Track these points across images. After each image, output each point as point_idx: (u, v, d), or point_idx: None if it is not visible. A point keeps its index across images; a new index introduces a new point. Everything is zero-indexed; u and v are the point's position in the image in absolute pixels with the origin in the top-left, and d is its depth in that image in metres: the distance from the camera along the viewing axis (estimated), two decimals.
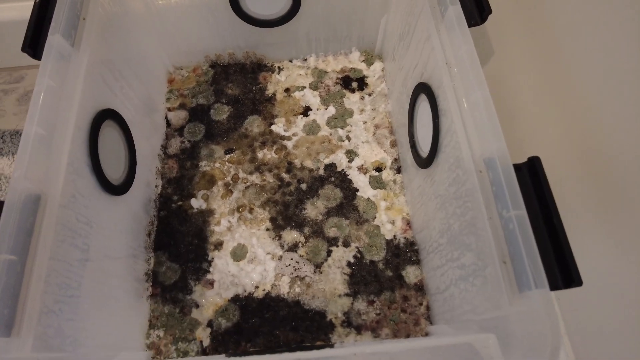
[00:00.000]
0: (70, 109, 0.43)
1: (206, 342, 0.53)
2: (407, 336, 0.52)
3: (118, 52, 0.54)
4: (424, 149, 0.50)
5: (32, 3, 0.73)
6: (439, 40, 0.45)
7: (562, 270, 0.35)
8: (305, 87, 0.68)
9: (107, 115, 0.48)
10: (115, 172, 0.50)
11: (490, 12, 0.45)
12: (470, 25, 0.44)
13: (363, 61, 0.70)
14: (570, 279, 0.34)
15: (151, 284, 0.56)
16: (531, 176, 0.38)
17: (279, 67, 0.70)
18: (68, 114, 0.42)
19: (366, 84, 0.69)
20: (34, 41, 0.45)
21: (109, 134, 0.49)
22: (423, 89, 0.49)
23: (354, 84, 0.69)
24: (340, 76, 0.69)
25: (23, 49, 0.45)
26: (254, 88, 0.68)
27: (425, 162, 0.49)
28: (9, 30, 0.74)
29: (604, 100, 0.41)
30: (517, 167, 0.38)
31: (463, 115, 0.41)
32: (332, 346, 0.38)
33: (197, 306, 0.55)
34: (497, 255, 0.35)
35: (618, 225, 0.41)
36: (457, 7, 0.44)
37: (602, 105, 0.42)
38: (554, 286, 0.34)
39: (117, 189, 0.49)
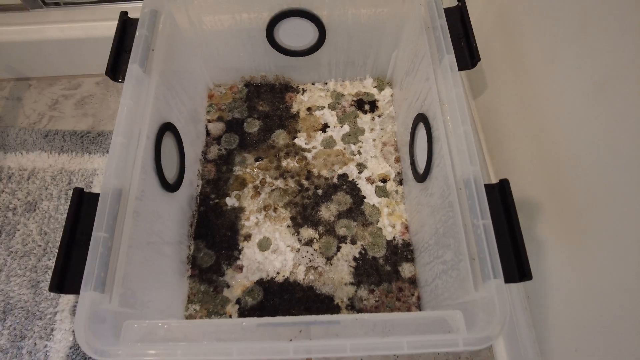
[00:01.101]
0: (143, 123, 0.55)
1: (234, 316, 0.64)
2: None
3: (175, 73, 0.66)
4: (421, 166, 0.61)
5: (84, 24, 0.85)
6: (435, 82, 0.56)
7: (518, 267, 0.46)
8: (324, 107, 0.80)
9: (166, 128, 0.60)
10: (170, 173, 0.62)
11: (479, 59, 0.57)
12: (461, 69, 0.55)
13: (375, 87, 0.82)
14: (523, 274, 0.45)
15: (191, 266, 0.68)
16: (501, 194, 0.49)
17: (303, 89, 0.82)
18: (141, 127, 0.54)
19: (377, 107, 0.80)
20: (114, 68, 0.57)
21: (167, 142, 0.61)
22: (422, 118, 0.60)
23: (367, 106, 0.80)
24: (355, 99, 0.81)
25: (106, 73, 0.57)
26: (281, 106, 0.80)
27: (421, 177, 0.60)
28: (70, 45, 0.86)
29: (565, 133, 0.52)
30: (491, 187, 0.49)
31: (450, 144, 0.52)
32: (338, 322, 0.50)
33: (228, 286, 0.66)
34: (469, 253, 0.46)
35: (572, 235, 0.52)
36: (452, 56, 0.55)
37: (564, 138, 0.52)
38: (511, 279, 0.45)
39: (172, 187, 0.61)
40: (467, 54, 0.57)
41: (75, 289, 0.44)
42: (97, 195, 0.48)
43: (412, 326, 0.44)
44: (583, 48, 0.48)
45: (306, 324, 0.45)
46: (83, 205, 0.48)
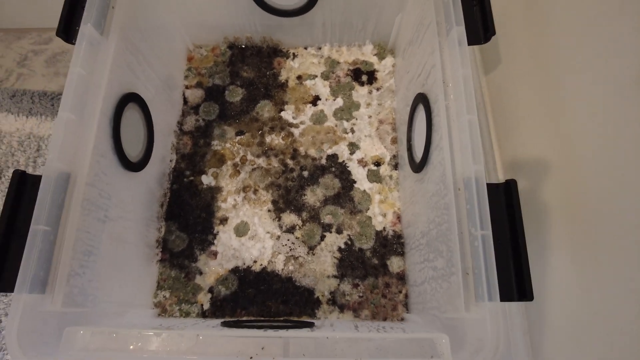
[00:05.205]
0: (97, 95, 0.47)
1: (206, 306, 0.60)
2: (385, 319, 0.58)
3: (142, 35, 0.57)
4: (418, 154, 0.54)
5: None
6: (439, 58, 0.47)
7: (518, 285, 0.39)
8: (316, 76, 0.71)
9: (129, 99, 0.53)
10: (134, 150, 0.55)
11: (494, 33, 0.48)
12: (472, 43, 0.46)
13: (375, 54, 0.73)
14: (523, 294, 0.39)
15: (161, 250, 0.62)
16: (507, 197, 0.42)
17: (293, 54, 0.73)
18: (95, 100, 0.47)
19: (375, 78, 0.71)
20: (67, 26, 0.48)
21: (131, 116, 0.54)
22: (422, 99, 0.52)
23: (364, 77, 0.71)
24: (351, 68, 0.72)
25: (57, 34, 0.48)
26: (268, 73, 0.72)
27: (417, 167, 0.53)
28: None
29: (592, 131, 0.44)
30: (495, 186, 0.42)
31: (451, 135, 0.44)
32: (311, 326, 0.45)
33: (201, 273, 0.61)
34: (462, 266, 0.40)
35: (584, 250, 0.45)
36: (461, 28, 0.46)
37: (590, 137, 0.44)
38: (508, 298, 0.39)
39: (136, 166, 0.54)
40: (480, 25, 0.48)
41: (11, 288, 0.39)
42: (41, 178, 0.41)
43: (392, 348, 0.39)
44: (625, 27, 0.39)
45: (275, 337, 0.40)
46: (26, 190, 0.42)
